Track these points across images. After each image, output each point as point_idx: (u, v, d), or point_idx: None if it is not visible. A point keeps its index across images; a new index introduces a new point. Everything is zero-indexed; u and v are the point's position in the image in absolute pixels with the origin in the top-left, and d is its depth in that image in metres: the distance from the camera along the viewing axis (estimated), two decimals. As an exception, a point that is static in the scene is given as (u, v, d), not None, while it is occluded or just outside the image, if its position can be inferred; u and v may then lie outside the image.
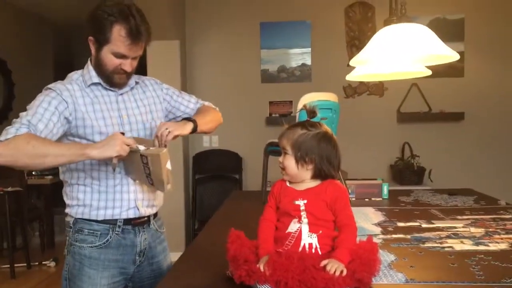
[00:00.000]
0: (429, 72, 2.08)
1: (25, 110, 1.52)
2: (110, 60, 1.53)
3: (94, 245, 1.57)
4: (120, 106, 1.62)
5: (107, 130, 1.54)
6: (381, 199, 2.48)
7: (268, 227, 1.23)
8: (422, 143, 4.62)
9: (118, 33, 1.48)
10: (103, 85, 1.60)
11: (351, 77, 2.25)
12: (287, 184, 1.26)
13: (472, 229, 1.77)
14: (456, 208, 2.20)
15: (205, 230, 1.90)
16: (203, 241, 1.76)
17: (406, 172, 4.42)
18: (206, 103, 1.90)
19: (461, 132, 4.66)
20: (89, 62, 1.62)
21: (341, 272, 1.07)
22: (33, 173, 4.88)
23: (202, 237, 1.80)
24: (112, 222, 1.58)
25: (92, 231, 1.57)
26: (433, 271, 1.31)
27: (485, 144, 4.66)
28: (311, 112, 1.27)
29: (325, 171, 1.22)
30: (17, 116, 1.50)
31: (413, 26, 1.68)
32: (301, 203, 1.20)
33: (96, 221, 1.58)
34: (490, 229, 1.76)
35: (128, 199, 1.60)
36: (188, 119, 1.69)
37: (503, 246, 1.55)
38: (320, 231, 1.18)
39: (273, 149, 2.37)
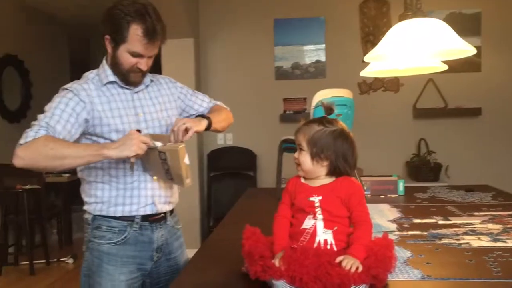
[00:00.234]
0: (445, 67, 2.06)
1: (42, 109, 1.54)
2: (126, 59, 1.54)
3: (112, 241, 1.59)
4: (136, 104, 1.63)
5: (124, 128, 1.56)
6: (396, 195, 2.47)
7: (282, 223, 1.23)
8: (438, 139, 4.57)
9: (134, 32, 1.49)
10: (118, 83, 1.61)
11: (366, 73, 2.24)
12: (302, 180, 1.26)
13: (490, 226, 1.75)
14: (473, 204, 2.18)
15: (220, 227, 1.91)
16: (218, 238, 1.77)
17: (422, 168, 4.39)
18: (218, 102, 1.91)
19: (478, 127, 4.60)
20: (104, 61, 1.64)
21: (357, 268, 1.07)
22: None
23: (217, 234, 1.81)
24: (130, 219, 1.61)
25: (110, 228, 1.60)
26: (449, 268, 1.30)
27: (503, 139, 4.59)
28: (328, 109, 1.27)
29: (341, 168, 1.21)
30: (35, 115, 1.52)
31: (429, 21, 1.66)
32: (316, 199, 1.19)
33: (114, 217, 1.60)
34: (508, 226, 1.74)
35: (146, 195, 1.62)
36: (202, 116, 1.70)
37: (521, 242, 1.52)
38: (335, 227, 1.17)
39: (288, 146, 2.37)
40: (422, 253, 1.43)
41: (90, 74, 1.63)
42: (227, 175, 4.78)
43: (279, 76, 4.76)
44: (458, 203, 2.21)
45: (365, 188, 2.43)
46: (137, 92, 1.65)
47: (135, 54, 1.53)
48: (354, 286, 1.05)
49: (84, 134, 1.57)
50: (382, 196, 2.45)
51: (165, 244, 1.70)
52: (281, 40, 4.73)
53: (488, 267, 1.29)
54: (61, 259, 4.59)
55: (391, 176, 2.56)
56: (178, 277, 1.33)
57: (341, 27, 4.67)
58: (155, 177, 1.63)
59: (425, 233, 1.67)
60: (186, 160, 1.44)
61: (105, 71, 1.61)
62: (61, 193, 5.26)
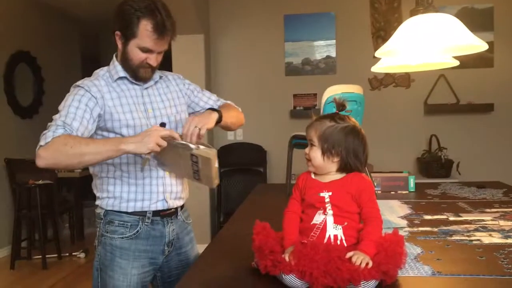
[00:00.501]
0: (457, 63, 2.04)
1: (55, 106, 1.56)
2: (136, 55, 1.56)
3: (124, 236, 1.61)
4: (145, 100, 1.65)
5: (134, 123, 1.58)
6: (407, 192, 2.46)
7: (292, 218, 1.24)
8: (449, 136, 4.54)
9: (144, 28, 1.51)
10: (129, 79, 1.63)
11: (377, 68, 2.23)
12: (312, 176, 1.26)
13: (501, 222, 1.73)
14: (484, 201, 2.16)
15: (230, 223, 1.92)
16: (228, 233, 1.78)
17: (433, 165, 4.36)
18: (229, 101, 1.90)
19: (490, 124, 4.55)
20: (114, 57, 1.65)
21: (367, 264, 1.07)
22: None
23: (227, 230, 1.82)
24: (141, 214, 1.62)
25: (122, 223, 1.61)
26: (460, 264, 1.29)
27: (516, 136, 4.55)
28: (340, 105, 1.27)
29: (351, 164, 1.21)
30: (47, 111, 1.55)
31: (440, 16, 1.65)
32: (326, 195, 1.20)
33: (126, 212, 1.62)
34: (520, 222, 1.73)
35: (157, 191, 1.63)
36: (212, 109, 1.70)
37: (533, 239, 1.51)
38: (345, 223, 1.18)
39: (298, 142, 2.37)
40: (432, 249, 1.42)
41: (101, 71, 1.65)
42: (237, 170, 4.79)
43: (289, 72, 4.76)
44: (469, 200, 2.19)
45: (375, 184, 2.42)
46: (146, 88, 1.67)
47: (145, 50, 1.55)
48: (364, 282, 1.06)
49: (96, 128, 1.58)
50: (393, 193, 2.44)
51: (176, 239, 1.71)
52: (291, 36, 4.73)
53: (499, 263, 1.28)
54: (73, 253, 4.64)
55: (401, 172, 2.55)
56: (189, 271, 1.34)
57: (351, 23, 4.65)
58: (167, 172, 1.64)
59: (435, 229, 1.66)
60: (216, 164, 1.49)
61: (115, 67, 1.63)
62: (73, 188, 5.31)
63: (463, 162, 4.44)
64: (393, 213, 1.93)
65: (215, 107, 1.83)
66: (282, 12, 4.72)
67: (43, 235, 4.37)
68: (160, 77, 1.73)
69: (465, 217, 1.84)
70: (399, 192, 2.45)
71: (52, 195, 4.71)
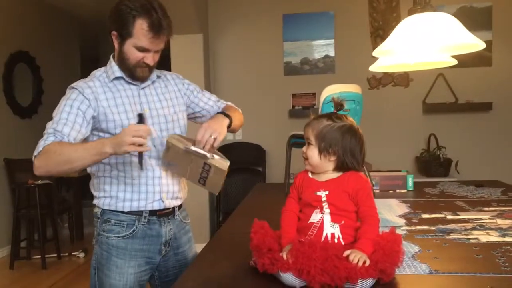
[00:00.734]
0: (455, 62, 2.05)
1: (53, 104, 1.58)
2: (132, 54, 1.56)
3: (121, 235, 1.61)
4: (142, 100, 1.65)
5: (129, 123, 1.56)
6: (405, 191, 2.46)
7: (290, 217, 1.24)
8: (448, 135, 4.54)
9: (140, 27, 1.51)
10: (125, 79, 1.63)
11: (375, 67, 2.24)
12: (309, 175, 1.27)
13: (499, 221, 1.74)
14: (482, 199, 2.17)
15: (228, 222, 1.93)
16: (226, 232, 1.78)
17: (432, 164, 4.36)
18: (229, 103, 1.89)
19: (489, 122, 4.56)
20: (111, 58, 1.66)
21: (364, 262, 1.07)
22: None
23: (226, 229, 1.83)
24: (138, 213, 1.62)
25: (119, 222, 1.62)
26: (457, 262, 1.29)
27: (514, 135, 4.55)
28: (339, 105, 1.27)
29: (348, 163, 1.22)
30: (46, 111, 1.56)
31: (438, 15, 1.65)
32: (322, 194, 1.20)
33: (123, 212, 1.62)
34: (518, 221, 1.73)
35: (153, 191, 1.63)
36: (223, 114, 1.69)
37: (530, 237, 1.52)
38: (343, 221, 1.18)
39: (296, 141, 2.37)
40: (430, 248, 1.43)
41: (98, 72, 1.66)
42: (236, 170, 4.78)
43: (288, 72, 4.76)
44: (467, 198, 2.20)
45: (374, 183, 2.43)
46: (143, 88, 1.67)
47: (141, 49, 1.55)
48: (361, 280, 1.06)
49: (92, 129, 1.59)
50: (391, 191, 2.45)
51: (174, 239, 1.71)
52: (290, 35, 4.73)
53: (496, 261, 1.29)
54: (73, 253, 4.64)
55: (400, 171, 2.56)
56: (186, 270, 1.35)
57: (350, 22, 4.65)
58: (164, 171, 1.64)
59: (433, 228, 1.67)
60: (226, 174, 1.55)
61: (112, 68, 1.63)
62: (72, 188, 5.32)
63: (461, 161, 4.45)
64: (392, 212, 1.93)
65: (216, 107, 1.83)
66: (281, 11, 4.72)
67: (42, 235, 4.37)
68: (158, 77, 1.73)
69: (463, 215, 1.85)
70: (397, 191, 2.46)
71: (52, 195, 4.71)
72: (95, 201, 1.68)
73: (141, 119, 1.45)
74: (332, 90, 2.20)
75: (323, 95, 2.21)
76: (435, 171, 4.33)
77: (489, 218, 1.78)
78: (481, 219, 1.78)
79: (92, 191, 1.69)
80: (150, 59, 1.58)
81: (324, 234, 1.18)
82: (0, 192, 4.75)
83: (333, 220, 1.18)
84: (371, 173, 2.45)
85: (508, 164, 4.49)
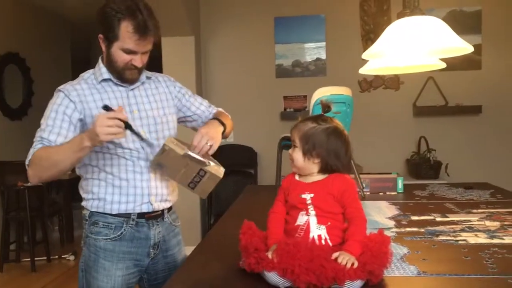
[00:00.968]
0: (444, 65, 2.06)
1: (43, 106, 1.59)
2: (120, 57, 1.55)
3: (108, 237, 1.60)
4: (131, 101, 1.64)
5: None
6: (395, 193, 2.47)
7: (276, 218, 1.25)
8: (438, 137, 4.58)
9: (125, 29, 1.50)
10: (113, 81, 1.62)
11: (364, 70, 2.25)
12: (296, 177, 1.27)
13: (487, 223, 1.75)
14: (471, 201, 2.18)
15: (219, 224, 1.92)
16: (217, 234, 1.78)
17: (422, 166, 4.40)
18: (220, 109, 1.89)
19: (478, 125, 4.60)
20: (100, 60, 1.65)
21: (352, 264, 1.08)
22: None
23: (216, 230, 1.82)
24: (126, 216, 1.62)
25: (107, 224, 1.61)
26: (445, 264, 1.30)
27: (503, 137, 4.60)
28: (326, 106, 1.28)
29: (332, 166, 1.22)
30: (36, 113, 1.56)
31: (426, 19, 1.66)
32: (307, 196, 1.20)
33: (111, 214, 1.61)
34: (506, 223, 1.75)
35: (142, 194, 1.62)
36: (218, 120, 1.69)
37: (518, 239, 1.53)
38: (329, 223, 1.19)
39: (287, 144, 2.38)
40: (418, 249, 1.44)
41: (86, 74, 1.66)
42: (228, 172, 4.73)
43: (280, 74, 4.77)
44: (456, 201, 2.22)
45: (364, 185, 2.44)
46: (132, 89, 1.66)
47: (128, 51, 1.54)
48: (348, 282, 1.06)
49: (80, 132, 1.58)
50: (381, 194, 2.46)
51: (163, 241, 1.70)
52: (281, 38, 4.74)
53: (484, 263, 1.30)
54: (63, 256, 4.61)
55: (390, 173, 2.57)
56: (176, 272, 1.34)
57: (341, 25, 4.67)
58: (153, 174, 1.64)
59: (422, 230, 1.68)
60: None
61: (100, 69, 1.63)
62: (63, 190, 5.28)
63: (451, 163, 4.48)
64: (381, 214, 1.94)
65: (207, 113, 1.83)
66: (273, 14, 4.73)
67: (32, 237, 4.34)
68: (148, 78, 1.72)
69: (452, 217, 1.86)
70: (387, 193, 2.47)
71: (42, 197, 4.68)
72: (83, 203, 1.67)
73: (107, 110, 1.43)
74: (322, 93, 2.22)
75: (313, 98, 2.22)
76: (425, 174, 4.36)
77: (478, 220, 1.80)
78: (469, 221, 1.79)
79: (81, 193, 1.68)
80: (138, 61, 1.57)
81: (311, 236, 1.18)
82: (-11, 195, 4.71)
83: (319, 222, 1.19)
84: (361, 175, 2.46)
85: (497, 166, 4.53)
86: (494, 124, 4.58)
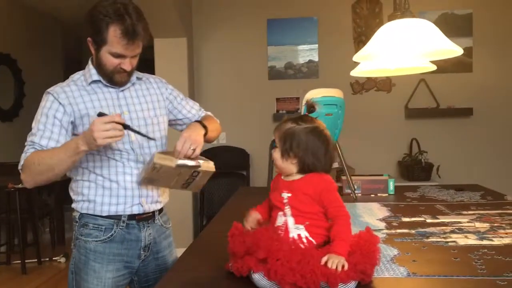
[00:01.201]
0: (434, 67, 2.08)
1: (34, 107, 1.59)
2: (109, 60, 1.54)
3: (99, 239, 1.60)
4: (121, 102, 1.63)
5: None
6: (387, 194, 2.48)
7: (255, 209, 1.31)
8: (430, 139, 4.60)
9: (113, 34, 1.48)
10: (103, 82, 1.61)
11: (356, 72, 2.26)
12: (282, 177, 1.27)
13: (477, 224, 1.76)
14: (462, 203, 2.20)
15: (210, 225, 1.92)
16: (208, 235, 1.77)
17: (414, 168, 4.41)
18: (209, 113, 1.89)
19: (470, 128, 4.63)
20: (90, 61, 1.64)
21: (343, 266, 1.06)
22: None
23: (207, 232, 1.82)
24: (116, 218, 1.61)
25: (97, 226, 1.60)
26: (435, 265, 1.31)
27: (494, 140, 4.63)
28: (310, 107, 1.29)
29: (310, 166, 1.21)
30: (27, 114, 1.56)
31: (416, 21, 1.68)
32: (285, 196, 1.20)
33: (101, 216, 1.60)
34: (495, 224, 1.76)
35: (132, 195, 1.61)
36: (201, 123, 1.68)
37: (507, 240, 1.54)
38: (307, 222, 1.18)
39: (279, 145, 2.37)
40: (408, 251, 1.44)
41: (76, 75, 1.65)
42: (220, 174, 4.73)
43: (272, 76, 4.78)
44: (447, 202, 2.23)
45: (355, 187, 2.45)
46: (122, 90, 1.65)
47: (116, 55, 1.52)
48: (342, 284, 1.05)
49: (72, 134, 1.57)
50: (373, 195, 2.47)
51: (153, 243, 1.70)
52: (274, 40, 4.75)
53: (473, 264, 1.31)
54: (53, 258, 4.58)
55: (382, 175, 2.58)
56: (167, 274, 1.34)
57: (334, 27, 4.69)
58: (144, 187, 1.63)
59: (413, 231, 1.69)
60: None
61: (89, 71, 1.62)
62: (54, 192, 5.24)
63: (443, 165, 4.51)
64: (372, 216, 1.95)
65: (197, 116, 1.83)
66: (265, 16, 4.73)
67: (22, 239, 4.31)
68: (139, 79, 1.71)
69: (442, 219, 1.87)
70: (379, 195, 2.48)
71: (32, 199, 4.64)
72: (73, 205, 1.66)
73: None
74: (314, 95, 2.21)
75: (305, 99, 2.22)
76: (417, 176, 4.38)
77: (468, 222, 1.81)
78: (459, 222, 1.80)
79: (71, 194, 1.67)
80: (127, 64, 1.56)
81: (290, 236, 1.17)
82: (-21, 196, 4.67)
83: (297, 222, 1.18)
84: (353, 177, 2.47)
85: (488, 168, 4.57)
86: (485, 126, 4.62)
